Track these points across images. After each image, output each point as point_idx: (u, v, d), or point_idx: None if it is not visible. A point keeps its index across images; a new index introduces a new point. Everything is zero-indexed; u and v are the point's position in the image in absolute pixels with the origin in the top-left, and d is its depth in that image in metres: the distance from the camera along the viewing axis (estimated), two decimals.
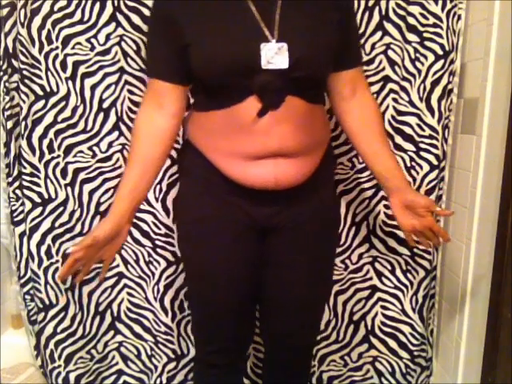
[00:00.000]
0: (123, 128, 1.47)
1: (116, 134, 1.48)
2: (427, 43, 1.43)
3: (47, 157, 1.46)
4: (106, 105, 1.45)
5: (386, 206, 1.54)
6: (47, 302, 1.53)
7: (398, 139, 1.49)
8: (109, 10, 1.39)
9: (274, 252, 1.14)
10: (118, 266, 1.57)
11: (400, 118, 1.47)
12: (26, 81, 1.41)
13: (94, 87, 1.44)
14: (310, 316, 1.22)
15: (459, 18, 1.42)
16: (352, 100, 1.13)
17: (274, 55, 0.93)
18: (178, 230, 1.21)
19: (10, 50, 1.42)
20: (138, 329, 1.61)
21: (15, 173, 1.50)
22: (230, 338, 1.18)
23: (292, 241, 1.12)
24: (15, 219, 1.52)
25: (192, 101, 1.14)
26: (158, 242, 1.55)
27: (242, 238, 1.10)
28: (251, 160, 1.00)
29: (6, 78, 1.43)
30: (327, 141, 1.14)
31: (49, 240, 1.50)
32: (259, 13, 0.95)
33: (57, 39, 1.40)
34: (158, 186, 1.50)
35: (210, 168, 1.06)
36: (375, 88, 1.45)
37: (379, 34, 1.41)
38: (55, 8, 1.38)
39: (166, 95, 1.04)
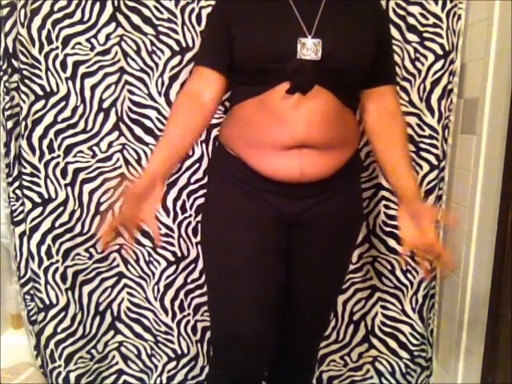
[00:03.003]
0: (123, 128, 1.47)
1: (116, 133, 1.48)
2: (427, 43, 1.43)
3: (47, 157, 1.46)
4: (105, 105, 1.45)
5: (386, 206, 1.54)
6: (47, 302, 1.53)
7: None
8: (109, 9, 1.40)
9: (299, 248, 1.16)
10: (118, 265, 1.57)
11: None
12: (26, 81, 1.41)
13: (94, 87, 1.44)
14: (326, 309, 1.30)
15: (459, 18, 1.43)
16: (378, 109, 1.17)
17: (309, 48, 1.02)
18: (204, 230, 1.19)
19: (10, 50, 1.42)
20: (138, 328, 1.61)
21: (15, 173, 1.49)
22: (253, 335, 1.10)
23: (316, 238, 1.16)
24: (15, 219, 1.52)
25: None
26: None
27: (271, 234, 1.12)
28: (278, 151, 1.05)
29: (6, 78, 1.43)
30: (355, 144, 1.18)
31: (49, 240, 1.50)
32: (300, 11, 1.04)
33: (57, 39, 1.40)
34: None
35: (239, 166, 1.10)
36: None
37: None
38: (55, 8, 1.39)
39: (210, 79, 1.13)
